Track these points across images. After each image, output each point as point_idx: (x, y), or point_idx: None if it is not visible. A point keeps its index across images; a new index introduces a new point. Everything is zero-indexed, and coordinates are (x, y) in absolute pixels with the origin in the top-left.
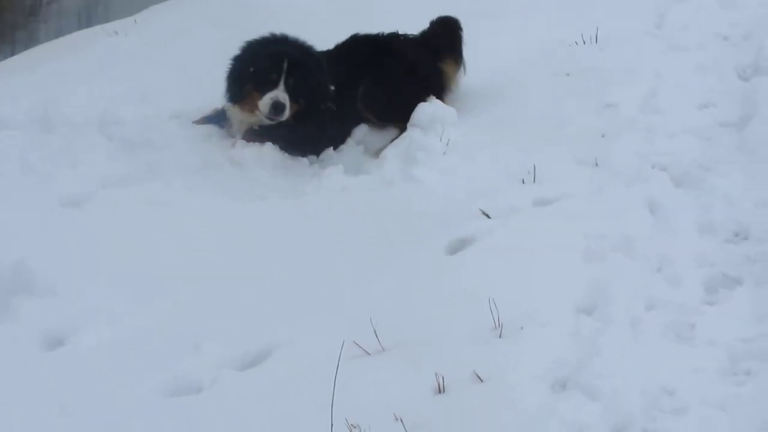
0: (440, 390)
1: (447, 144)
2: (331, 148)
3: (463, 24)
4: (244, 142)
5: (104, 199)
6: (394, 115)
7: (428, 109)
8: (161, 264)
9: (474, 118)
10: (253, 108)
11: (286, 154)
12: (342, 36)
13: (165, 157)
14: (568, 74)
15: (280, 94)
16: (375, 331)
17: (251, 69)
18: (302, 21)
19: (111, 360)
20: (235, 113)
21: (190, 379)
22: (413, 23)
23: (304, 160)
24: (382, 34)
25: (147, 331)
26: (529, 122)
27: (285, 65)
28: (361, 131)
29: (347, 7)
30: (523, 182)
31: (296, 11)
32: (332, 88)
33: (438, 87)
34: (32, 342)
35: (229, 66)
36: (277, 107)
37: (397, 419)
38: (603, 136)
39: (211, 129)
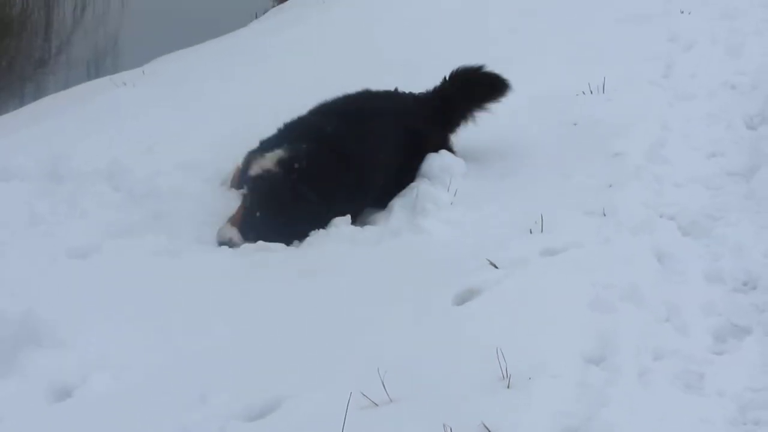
0: None
1: (455, 194)
2: None
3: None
4: None
5: (111, 249)
6: None
7: (436, 160)
8: (167, 315)
9: (481, 167)
10: None
11: None
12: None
13: (172, 208)
14: (575, 124)
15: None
16: (383, 382)
17: None
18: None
19: (118, 411)
20: None
21: (198, 430)
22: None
23: None
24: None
25: (153, 381)
26: (536, 172)
27: None
28: None
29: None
30: (531, 232)
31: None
32: None
33: None
34: (39, 394)
35: None
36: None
37: None
38: (610, 185)
39: (218, 179)
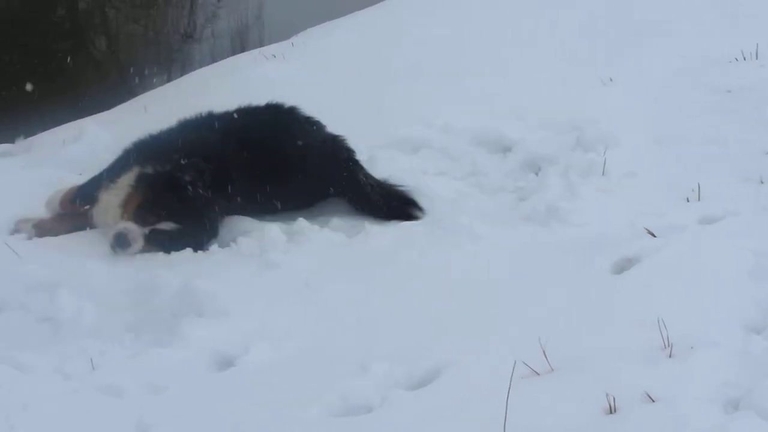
0: (611, 410)
1: (609, 163)
2: None
3: None
4: None
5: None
6: None
7: (590, 131)
8: (323, 287)
9: (635, 136)
10: None
11: None
12: None
13: None
14: (729, 91)
15: None
16: (544, 351)
17: None
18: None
19: (280, 380)
20: None
21: (359, 399)
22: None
23: None
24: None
25: (313, 351)
26: (690, 140)
27: None
28: None
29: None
30: (688, 200)
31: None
32: None
33: None
34: (203, 363)
35: None
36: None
37: None
38: (766, 153)
39: None
